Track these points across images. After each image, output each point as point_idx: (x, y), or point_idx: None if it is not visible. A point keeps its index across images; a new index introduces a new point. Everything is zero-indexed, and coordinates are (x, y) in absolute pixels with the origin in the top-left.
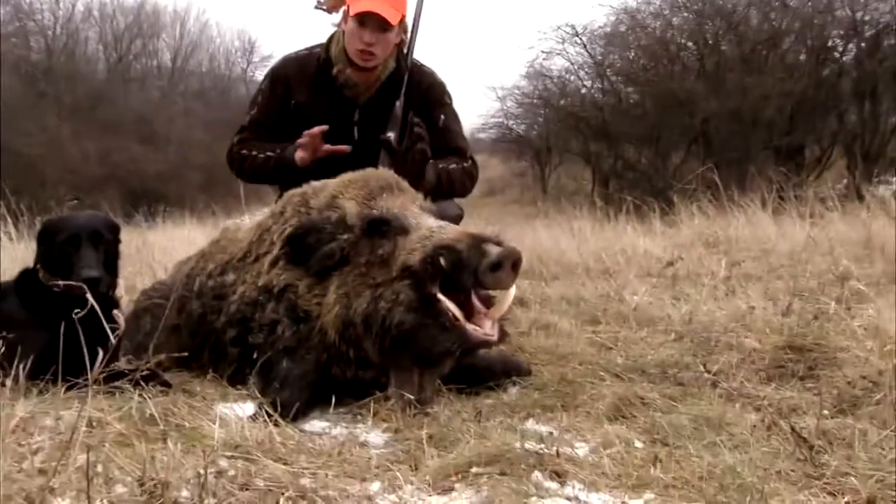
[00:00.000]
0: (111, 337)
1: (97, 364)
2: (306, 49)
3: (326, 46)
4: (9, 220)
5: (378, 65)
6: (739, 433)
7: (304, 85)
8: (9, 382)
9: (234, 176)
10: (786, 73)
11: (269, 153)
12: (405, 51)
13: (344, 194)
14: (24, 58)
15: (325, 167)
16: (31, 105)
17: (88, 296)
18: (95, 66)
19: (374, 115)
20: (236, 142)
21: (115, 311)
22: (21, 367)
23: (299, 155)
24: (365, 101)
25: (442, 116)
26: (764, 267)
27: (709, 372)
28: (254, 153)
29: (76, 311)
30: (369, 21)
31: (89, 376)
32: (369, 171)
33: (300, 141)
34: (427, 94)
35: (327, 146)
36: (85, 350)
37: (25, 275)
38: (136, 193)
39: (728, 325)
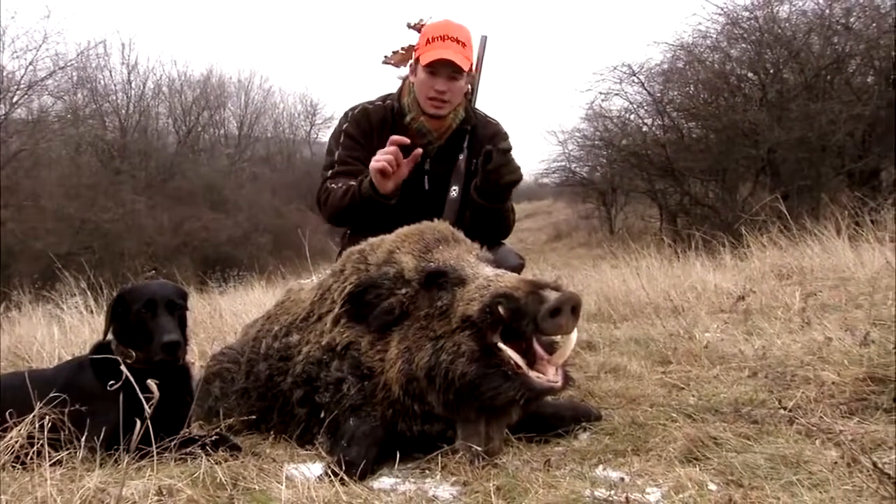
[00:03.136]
0: (146, 407)
1: (135, 433)
2: (379, 100)
3: (398, 97)
4: (88, 293)
5: (449, 112)
6: (819, 471)
7: (384, 136)
8: (79, 454)
9: (324, 222)
10: (854, 96)
11: (349, 185)
12: (470, 100)
13: (400, 249)
14: (100, 137)
15: (397, 212)
16: (108, 182)
17: (123, 367)
18: (166, 140)
19: (443, 164)
20: (329, 175)
21: (149, 381)
22: (95, 439)
23: (379, 180)
24: (435, 151)
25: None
26: (842, 296)
27: (785, 408)
28: (335, 186)
29: (111, 382)
30: (441, 69)
31: (154, 444)
32: (424, 224)
33: (375, 161)
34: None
35: (406, 162)
36: (149, 420)
37: (100, 348)
38: (209, 260)
39: (804, 359)
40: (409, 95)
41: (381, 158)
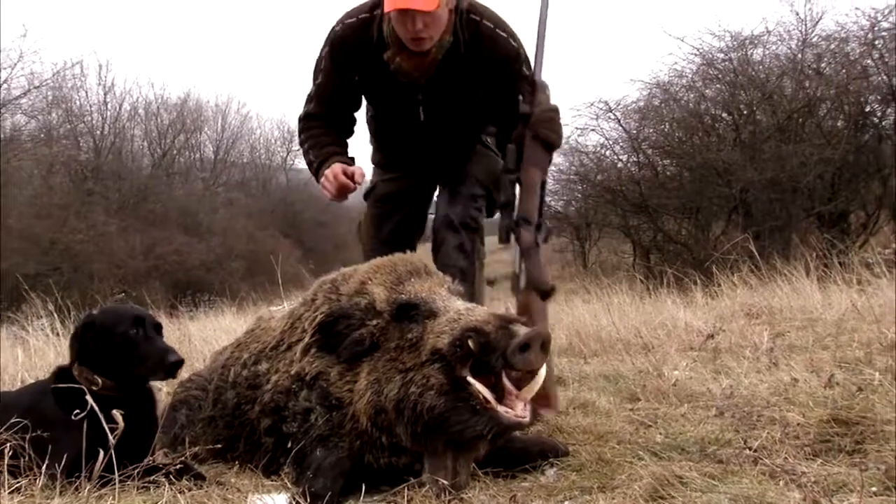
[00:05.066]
0: (110, 438)
1: (98, 463)
2: (367, 9)
3: (380, 21)
4: (55, 315)
5: (433, 46)
6: None
7: (366, 59)
8: (39, 481)
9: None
10: (824, 140)
11: (311, 157)
12: (469, 14)
13: (372, 280)
14: (73, 157)
15: (397, 145)
16: (79, 203)
17: (88, 397)
18: (141, 163)
19: (438, 92)
20: (302, 117)
21: (114, 411)
22: (56, 466)
23: (325, 189)
24: (426, 81)
25: (521, 98)
26: (809, 337)
27: (750, 448)
28: (306, 146)
29: (76, 412)
30: (407, 12)
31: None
32: (397, 256)
33: (326, 176)
34: (502, 69)
35: (351, 184)
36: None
37: (61, 373)
38: (180, 284)
39: (770, 399)
40: (388, 24)
41: (327, 188)
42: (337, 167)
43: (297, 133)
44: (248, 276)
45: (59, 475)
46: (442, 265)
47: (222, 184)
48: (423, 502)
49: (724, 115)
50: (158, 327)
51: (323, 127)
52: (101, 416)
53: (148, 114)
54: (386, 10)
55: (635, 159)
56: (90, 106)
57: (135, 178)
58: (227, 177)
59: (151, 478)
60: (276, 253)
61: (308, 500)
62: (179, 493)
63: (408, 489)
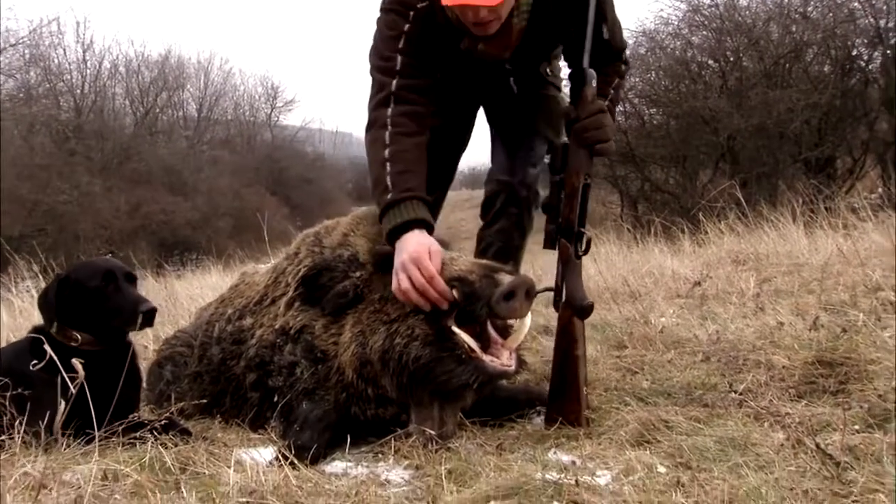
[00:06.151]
0: (72, 388)
1: (60, 415)
2: None
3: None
4: (40, 277)
5: (515, 16)
6: (765, 453)
7: (439, 49)
8: (17, 438)
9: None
10: (811, 85)
11: (387, 178)
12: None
13: (355, 232)
14: (54, 117)
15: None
16: (62, 163)
17: (46, 346)
18: (123, 121)
19: (528, 57)
20: (386, 97)
21: (73, 360)
22: (40, 423)
23: (397, 274)
24: (513, 50)
25: (604, 28)
26: (795, 282)
27: (735, 391)
28: (386, 153)
29: (34, 362)
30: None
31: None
32: None
33: (405, 263)
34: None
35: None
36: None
37: (37, 332)
38: (166, 243)
39: (756, 343)
40: (451, 12)
41: (403, 280)
42: (422, 254)
43: (371, 126)
44: (235, 233)
45: (42, 432)
46: (496, 239)
47: (206, 142)
48: (409, 452)
49: (711, 62)
50: (131, 278)
51: (417, 109)
52: (61, 368)
53: (129, 71)
54: (444, 2)
55: (621, 109)
56: (69, 64)
57: (117, 138)
58: (211, 134)
59: (137, 434)
60: (262, 210)
61: (294, 453)
62: (165, 448)
63: (395, 440)
